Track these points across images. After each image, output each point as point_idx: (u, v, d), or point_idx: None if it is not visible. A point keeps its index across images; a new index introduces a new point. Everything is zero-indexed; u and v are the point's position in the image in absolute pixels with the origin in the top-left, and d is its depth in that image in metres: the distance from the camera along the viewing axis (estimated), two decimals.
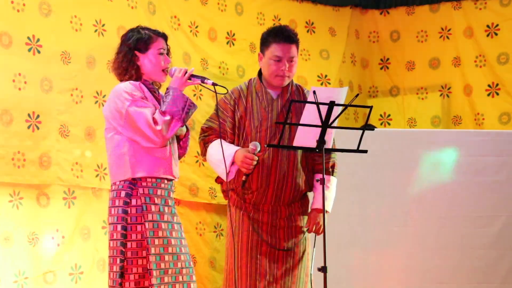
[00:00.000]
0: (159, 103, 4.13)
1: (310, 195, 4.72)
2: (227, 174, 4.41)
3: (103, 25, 5.84)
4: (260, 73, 4.66)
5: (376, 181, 6.12)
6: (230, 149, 4.46)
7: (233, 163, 4.46)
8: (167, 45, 4.21)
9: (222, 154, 4.34)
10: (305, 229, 4.59)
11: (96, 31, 5.79)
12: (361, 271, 6.07)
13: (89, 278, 5.64)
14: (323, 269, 4.29)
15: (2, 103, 5.27)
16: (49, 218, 5.47)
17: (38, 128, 5.42)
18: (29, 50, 5.40)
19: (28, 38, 5.40)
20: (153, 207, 4.03)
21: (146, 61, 4.13)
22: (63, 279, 5.51)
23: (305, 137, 4.38)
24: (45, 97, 5.46)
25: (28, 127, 5.37)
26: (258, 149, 4.40)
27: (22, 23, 5.37)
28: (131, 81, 4.11)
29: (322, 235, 4.30)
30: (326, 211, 4.51)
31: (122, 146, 4.05)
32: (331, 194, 4.59)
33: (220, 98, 4.60)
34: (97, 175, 5.70)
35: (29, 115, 5.38)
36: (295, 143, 4.44)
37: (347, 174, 6.04)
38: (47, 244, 5.45)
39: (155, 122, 3.96)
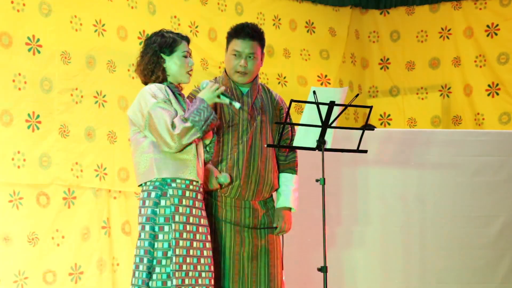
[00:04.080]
0: (182, 106, 4.17)
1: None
2: None
3: (103, 25, 5.84)
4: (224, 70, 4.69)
5: (376, 181, 6.12)
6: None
7: None
8: (189, 49, 4.27)
9: None
10: (275, 228, 4.60)
11: (96, 31, 5.80)
12: (361, 271, 6.07)
13: (89, 278, 5.64)
14: (323, 269, 4.29)
15: (2, 103, 5.27)
16: (49, 218, 5.48)
17: (38, 128, 5.42)
18: (29, 50, 5.41)
19: (28, 38, 5.40)
20: (181, 209, 4.07)
21: (172, 63, 4.17)
22: (63, 279, 5.51)
23: (305, 137, 4.39)
24: (45, 97, 5.47)
25: (28, 127, 5.38)
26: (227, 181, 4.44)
27: (22, 23, 5.38)
28: (156, 83, 4.15)
29: (322, 235, 4.30)
30: (291, 209, 4.58)
31: (147, 148, 4.10)
32: (297, 193, 4.63)
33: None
34: (97, 175, 5.71)
35: (29, 115, 5.38)
36: (295, 143, 4.45)
37: (347, 174, 6.04)
38: (47, 244, 5.45)
39: (173, 126, 4.00)
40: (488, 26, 7.26)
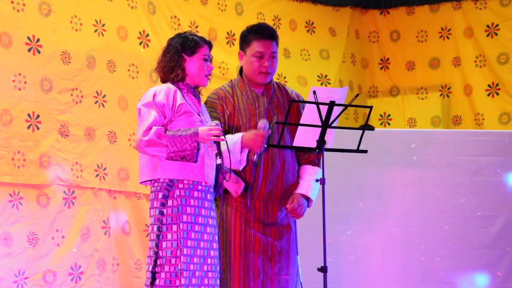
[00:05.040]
0: (196, 107, 4.19)
1: None
2: (239, 161, 4.36)
3: (103, 25, 5.84)
4: (240, 73, 4.66)
5: (376, 181, 6.12)
6: (235, 137, 4.43)
7: (241, 150, 4.42)
8: (210, 54, 4.31)
9: (227, 146, 4.33)
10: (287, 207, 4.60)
11: (96, 31, 5.80)
12: (361, 271, 6.07)
13: (89, 278, 5.64)
14: (323, 269, 4.29)
15: (2, 103, 5.27)
16: (49, 218, 5.48)
17: (38, 128, 5.42)
18: (29, 50, 5.41)
19: (28, 38, 5.40)
20: (188, 209, 4.10)
21: (191, 64, 4.22)
22: (63, 279, 5.51)
23: (305, 137, 4.38)
24: (45, 97, 5.46)
25: (28, 127, 5.38)
26: (268, 126, 4.40)
27: (22, 23, 5.38)
28: (170, 84, 4.19)
29: (322, 235, 4.30)
30: (310, 199, 4.55)
31: None
32: (317, 184, 4.62)
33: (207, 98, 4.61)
34: (97, 175, 5.71)
35: (29, 115, 5.38)
36: (295, 143, 4.45)
37: (347, 174, 6.04)
38: (47, 244, 5.45)
39: (147, 131, 4.03)
40: (488, 26, 7.26)
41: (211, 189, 4.22)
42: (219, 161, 4.09)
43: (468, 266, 6.08)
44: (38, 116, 5.42)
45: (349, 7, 7.58)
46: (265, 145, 4.47)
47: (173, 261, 4.06)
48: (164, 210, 4.09)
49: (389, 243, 6.08)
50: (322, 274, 4.29)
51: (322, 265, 4.30)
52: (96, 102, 5.75)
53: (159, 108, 4.09)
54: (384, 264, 6.08)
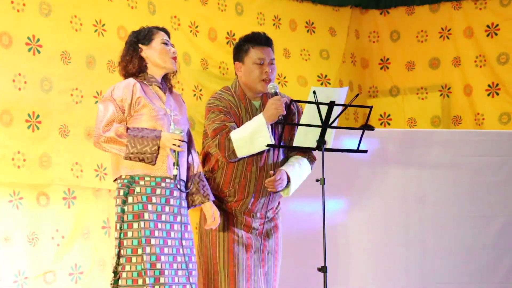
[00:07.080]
0: (156, 99, 4.15)
1: None
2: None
3: (103, 25, 5.84)
4: (236, 84, 4.62)
5: (376, 181, 6.12)
6: (254, 120, 4.40)
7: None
8: (169, 40, 4.27)
9: (248, 130, 4.37)
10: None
11: (96, 31, 5.80)
12: (361, 271, 6.07)
13: (89, 278, 5.64)
14: (323, 269, 4.29)
15: (2, 103, 5.27)
16: (49, 218, 5.48)
17: (38, 128, 5.42)
18: (29, 50, 5.41)
19: (28, 38, 5.40)
20: (150, 207, 4.04)
21: (151, 51, 4.19)
22: (63, 279, 5.51)
23: (305, 137, 4.38)
24: (45, 97, 5.46)
25: (28, 127, 5.38)
26: (277, 87, 4.45)
27: (22, 23, 5.38)
28: (131, 79, 4.15)
29: (322, 235, 4.30)
30: (289, 182, 4.50)
31: None
32: (301, 172, 4.57)
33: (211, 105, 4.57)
34: (97, 175, 5.71)
35: (29, 115, 5.38)
36: (295, 143, 4.45)
37: (347, 174, 6.04)
38: (47, 244, 5.45)
39: (107, 127, 4.00)
40: (488, 26, 7.26)
41: (180, 186, 4.13)
42: (175, 171, 4.01)
43: (468, 266, 6.08)
44: (38, 116, 5.42)
45: (349, 7, 7.58)
46: (266, 145, 4.48)
47: (134, 259, 3.99)
48: (125, 208, 4.04)
49: (389, 243, 6.08)
50: (322, 274, 4.29)
51: (322, 265, 4.30)
52: (96, 102, 5.75)
53: (117, 103, 4.05)
54: (384, 264, 6.08)
